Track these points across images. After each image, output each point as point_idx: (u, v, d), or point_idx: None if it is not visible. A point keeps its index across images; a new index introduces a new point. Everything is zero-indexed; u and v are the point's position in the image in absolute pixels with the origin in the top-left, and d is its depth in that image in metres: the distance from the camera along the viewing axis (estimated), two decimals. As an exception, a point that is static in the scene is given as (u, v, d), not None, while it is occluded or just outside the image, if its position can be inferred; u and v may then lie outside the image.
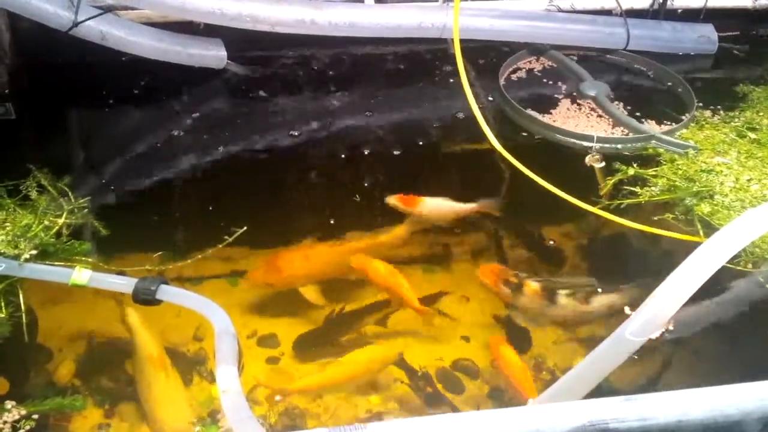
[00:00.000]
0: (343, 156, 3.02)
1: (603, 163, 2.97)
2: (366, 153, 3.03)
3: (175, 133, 3.07)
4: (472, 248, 2.68)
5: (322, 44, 3.50)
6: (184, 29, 3.33)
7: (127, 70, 3.29)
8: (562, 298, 2.43)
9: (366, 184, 2.86)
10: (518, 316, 2.40)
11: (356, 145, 3.07)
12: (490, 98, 3.37)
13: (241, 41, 3.35)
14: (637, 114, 3.28)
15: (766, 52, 3.88)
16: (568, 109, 3.31)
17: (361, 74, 3.53)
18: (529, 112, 3.23)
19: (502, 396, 2.15)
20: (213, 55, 3.34)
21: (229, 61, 3.40)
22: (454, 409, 2.10)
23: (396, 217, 2.68)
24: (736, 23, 3.89)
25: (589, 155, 3.01)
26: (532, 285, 2.45)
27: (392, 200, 2.72)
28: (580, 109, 3.32)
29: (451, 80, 3.37)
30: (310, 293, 2.39)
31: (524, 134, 3.18)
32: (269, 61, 3.53)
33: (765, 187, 2.72)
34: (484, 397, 2.15)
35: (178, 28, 3.31)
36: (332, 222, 2.67)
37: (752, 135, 3.05)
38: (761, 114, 3.23)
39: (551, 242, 2.69)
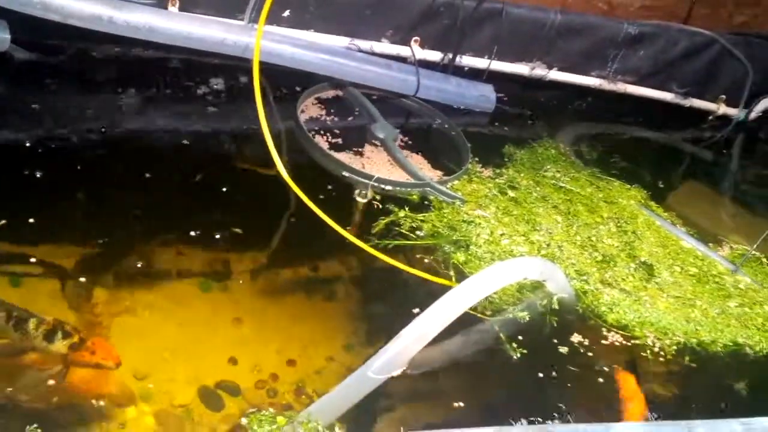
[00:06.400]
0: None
1: (368, 200, 3.13)
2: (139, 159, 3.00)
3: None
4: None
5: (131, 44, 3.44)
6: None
7: None
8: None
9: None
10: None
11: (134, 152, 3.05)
12: (285, 125, 3.46)
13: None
14: (420, 160, 3.50)
15: (538, 115, 4.32)
16: (360, 145, 3.47)
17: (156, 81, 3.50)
18: (319, 143, 3.36)
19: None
20: (-6, 35, 3.13)
21: (12, 44, 3.18)
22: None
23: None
24: (513, 87, 4.27)
25: (359, 191, 3.16)
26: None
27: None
28: (372, 147, 3.49)
29: (250, 101, 3.40)
30: None
31: (312, 164, 3.29)
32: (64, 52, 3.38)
33: (513, 243, 3.03)
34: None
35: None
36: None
37: (511, 193, 3.39)
38: (522, 174, 3.58)
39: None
